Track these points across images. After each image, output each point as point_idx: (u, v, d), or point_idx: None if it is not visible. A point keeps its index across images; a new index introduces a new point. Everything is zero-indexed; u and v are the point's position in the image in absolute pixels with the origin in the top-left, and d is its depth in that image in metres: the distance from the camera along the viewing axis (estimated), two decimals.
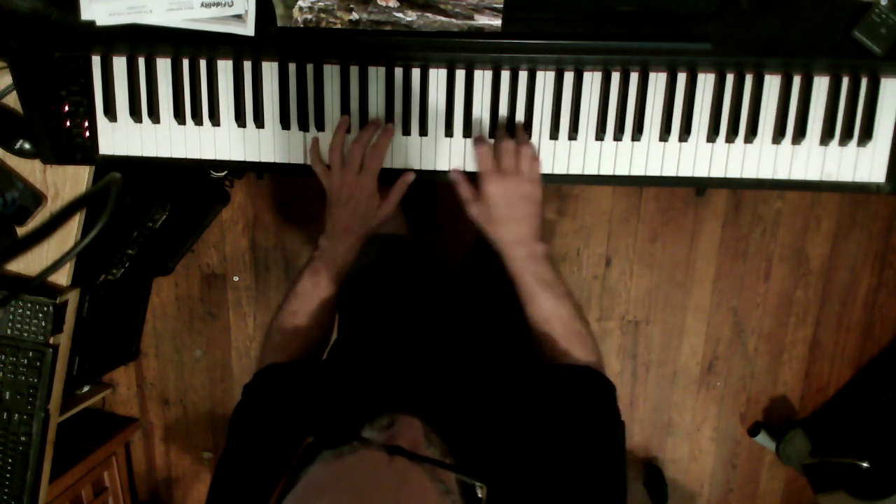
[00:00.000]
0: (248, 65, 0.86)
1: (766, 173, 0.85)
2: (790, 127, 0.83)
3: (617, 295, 1.81)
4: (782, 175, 0.85)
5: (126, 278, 1.53)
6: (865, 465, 1.60)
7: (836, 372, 1.84)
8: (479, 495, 0.46)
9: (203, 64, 0.86)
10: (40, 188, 1.00)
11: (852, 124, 0.83)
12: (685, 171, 0.86)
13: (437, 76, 0.85)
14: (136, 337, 1.88)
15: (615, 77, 0.83)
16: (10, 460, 1.09)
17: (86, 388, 1.79)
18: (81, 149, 0.90)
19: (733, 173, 0.86)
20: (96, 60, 0.86)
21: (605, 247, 1.78)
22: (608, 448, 0.61)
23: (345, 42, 0.79)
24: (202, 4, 0.78)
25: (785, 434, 1.80)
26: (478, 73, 0.84)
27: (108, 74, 0.86)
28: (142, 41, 0.81)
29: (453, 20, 0.77)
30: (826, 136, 0.83)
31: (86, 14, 0.79)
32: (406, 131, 0.86)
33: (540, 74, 0.84)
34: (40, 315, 1.05)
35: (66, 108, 0.88)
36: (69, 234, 0.99)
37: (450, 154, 0.87)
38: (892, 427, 1.63)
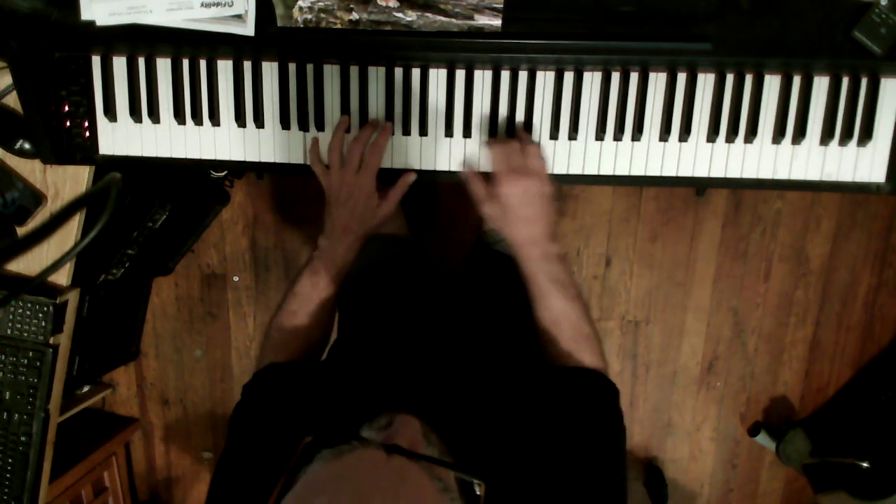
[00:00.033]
0: (248, 65, 0.86)
1: (766, 173, 0.85)
2: (790, 127, 0.83)
3: (617, 295, 1.81)
4: (782, 175, 0.85)
5: (126, 278, 1.53)
6: (865, 465, 1.60)
7: (836, 372, 1.84)
8: (478, 493, 0.46)
9: (203, 64, 0.86)
10: (40, 188, 1.00)
11: (852, 124, 0.83)
12: (685, 171, 0.86)
13: (437, 76, 0.85)
14: (136, 337, 1.88)
15: (615, 77, 0.83)
16: (10, 460, 1.09)
17: (86, 388, 1.79)
18: (81, 149, 0.90)
19: (733, 173, 0.86)
20: (96, 60, 0.86)
21: (605, 247, 1.78)
22: (610, 451, 0.61)
23: (345, 42, 0.79)
24: (202, 4, 0.78)
25: (785, 434, 1.80)
26: (478, 73, 0.84)
27: (108, 74, 0.86)
28: (142, 41, 0.81)
29: (453, 20, 0.77)
30: (826, 136, 0.83)
31: (86, 14, 0.79)
32: (406, 131, 0.86)
33: (540, 74, 0.84)
34: (40, 315, 1.05)
35: (66, 108, 0.88)
36: (69, 234, 0.99)
37: (450, 154, 0.87)
38: (892, 427, 1.63)
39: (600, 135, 0.85)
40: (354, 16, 0.78)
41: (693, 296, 1.80)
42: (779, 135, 0.84)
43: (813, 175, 0.85)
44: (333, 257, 0.82)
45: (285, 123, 0.87)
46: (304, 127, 0.87)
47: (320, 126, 0.87)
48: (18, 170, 0.99)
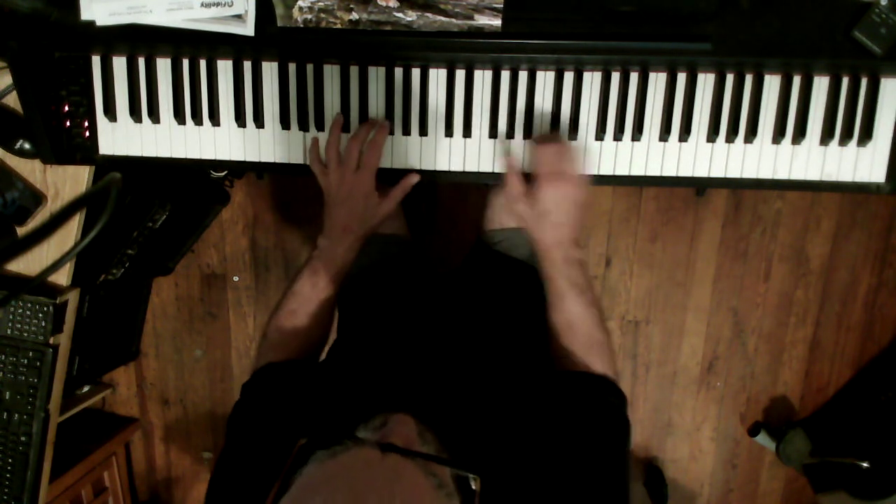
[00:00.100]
0: (248, 65, 0.86)
1: (766, 173, 0.85)
2: (790, 127, 0.83)
3: (617, 295, 1.81)
4: (782, 175, 0.85)
5: (126, 278, 1.53)
6: (865, 465, 1.60)
7: (836, 372, 1.84)
8: (473, 487, 0.47)
9: (203, 64, 0.86)
10: (40, 188, 1.00)
11: (852, 124, 0.83)
12: (685, 171, 0.86)
13: (437, 76, 0.85)
14: (136, 337, 1.88)
15: (615, 77, 0.83)
16: (10, 460, 1.09)
17: (86, 388, 1.79)
18: (81, 149, 0.90)
19: (733, 173, 0.86)
20: (96, 60, 0.86)
21: (605, 247, 1.78)
22: (613, 456, 0.61)
23: (345, 42, 0.79)
24: (202, 4, 0.78)
25: (785, 434, 1.80)
26: (478, 73, 0.84)
27: (108, 74, 0.86)
28: (142, 41, 0.81)
29: (453, 20, 0.77)
30: (826, 136, 0.83)
31: (86, 14, 0.79)
32: (406, 131, 0.86)
33: (540, 74, 0.84)
34: (40, 315, 1.05)
35: (66, 108, 0.88)
36: (69, 234, 0.99)
37: (450, 154, 0.87)
38: (892, 427, 1.63)
39: (600, 135, 0.85)
40: (354, 16, 0.78)
41: (693, 296, 1.80)
42: (779, 135, 0.84)
43: (813, 175, 0.85)
44: (333, 257, 0.82)
45: (285, 123, 0.87)
46: (303, 127, 0.87)
47: (320, 126, 0.87)
48: (18, 170, 0.99)
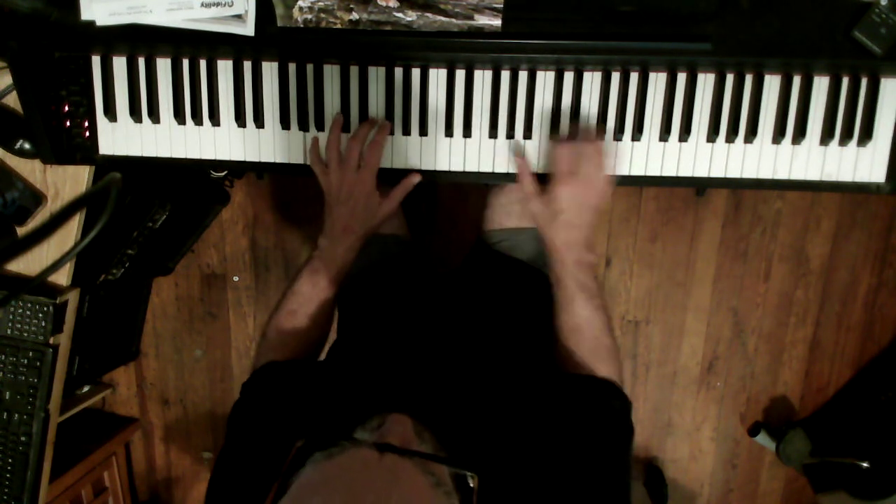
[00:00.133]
0: (248, 65, 0.86)
1: (766, 173, 0.85)
2: (790, 127, 0.83)
3: (617, 295, 1.81)
4: (782, 175, 0.85)
5: (126, 278, 1.53)
6: (865, 465, 1.60)
7: (836, 372, 1.84)
8: (471, 485, 0.47)
9: (203, 64, 0.86)
10: (40, 188, 1.00)
11: (852, 124, 0.83)
12: (685, 171, 0.86)
13: (437, 76, 0.85)
14: (136, 337, 1.88)
15: (615, 77, 0.83)
16: (10, 460, 1.09)
17: (86, 388, 1.79)
18: (81, 149, 0.90)
19: (733, 173, 0.86)
20: (96, 60, 0.86)
21: (605, 247, 1.78)
22: (615, 459, 0.61)
23: (345, 42, 0.79)
24: (202, 4, 0.78)
25: (785, 434, 1.79)
26: (478, 73, 0.84)
27: (108, 74, 0.86)
28: (142, 41, 0.81)
29: (453, 20, 0.77)
30: (826, 136, 0.83)
31: (86, 14, 0.79)
32: (406, 131, 0.86)
33: (540, 74, 0.84)
34: (40, 315, 1.05)
35: (66, 108, 0.88)
36: (69, 234, 0.99)
37: (450, 154, 0.87)
38: (892, 427, 1.63)
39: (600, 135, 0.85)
40: (354, 16, 0.78)
41: (693, 296, 1.80)
42: (779, 135, 0.84)
43: (813, 175, 0.85)
44: (333, 257, 0.82)
45: (285, 123, 0.87)
46: (304, 127, 0.87)
47: (320, 126, 0.87)
48: (18, 170, 0.99)
